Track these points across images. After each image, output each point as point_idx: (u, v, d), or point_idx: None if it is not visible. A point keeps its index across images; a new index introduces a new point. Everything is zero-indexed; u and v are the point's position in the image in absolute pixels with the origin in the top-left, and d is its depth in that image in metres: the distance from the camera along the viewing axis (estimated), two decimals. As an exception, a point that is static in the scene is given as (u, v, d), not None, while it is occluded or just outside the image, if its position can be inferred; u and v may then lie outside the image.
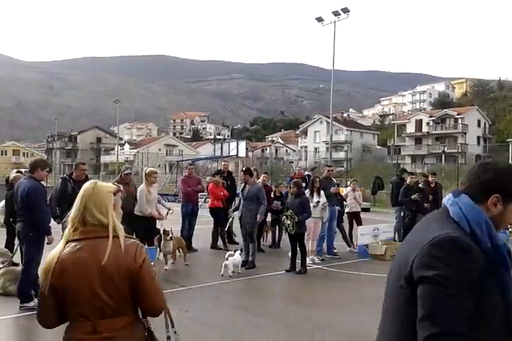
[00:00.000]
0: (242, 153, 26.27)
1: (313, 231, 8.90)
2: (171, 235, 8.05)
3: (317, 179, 9.25)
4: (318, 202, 8.93)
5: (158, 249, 8.39)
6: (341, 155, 54.68)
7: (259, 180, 10.42)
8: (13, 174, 8.58)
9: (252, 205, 8.63)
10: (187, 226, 10.17)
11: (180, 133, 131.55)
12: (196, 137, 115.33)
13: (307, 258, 8.56)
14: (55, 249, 2.13)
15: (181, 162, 32.13)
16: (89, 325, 2.05)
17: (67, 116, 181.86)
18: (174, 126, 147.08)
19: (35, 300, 5.82)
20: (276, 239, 11.05)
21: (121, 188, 7.24)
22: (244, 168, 9.49)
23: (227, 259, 7.77)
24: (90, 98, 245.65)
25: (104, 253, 2.02)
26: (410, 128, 61.99)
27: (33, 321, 5.31)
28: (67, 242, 2.12)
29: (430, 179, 12.29)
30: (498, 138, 58.23)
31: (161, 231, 8.16)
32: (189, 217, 10.25)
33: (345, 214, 11.11)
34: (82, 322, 2.07)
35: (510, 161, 39.61)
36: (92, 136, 79.37)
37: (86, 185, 2.24)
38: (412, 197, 10.43)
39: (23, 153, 77.40)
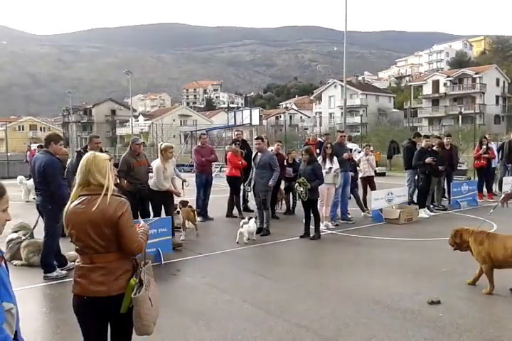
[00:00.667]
0: (256, 121, 26.15)
1: (326, 197, 8.97)
2: (178, 209, 8.04)
3: (328, 145, 9.23)
4: (330, 168, 8.96)
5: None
6: (357, 119, 53.99)
7: (273, 149, 10.45)
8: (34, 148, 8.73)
9: (264, 173, 8.70)
10: (202, 196, 10.32)
11: (194, 103, 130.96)
12: (210, 106, 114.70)
13: (321, 224, 8.68)
14: (69, 201, 2.84)
15: (195, 132, 32.17)
16: (88, 257, 2.78)
17: (80, 89, 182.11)
18: (187, 96, 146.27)
19: (58, 270, 6.07)
20: (291, 206, 11.16)
21: (134, 160, 7.30)
22: (256, 137, 9.50)
23: (242, 227, 7.92)
24: (102, 70, 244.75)
25: (96, 206, 2.73)
26: (427, 90, 60.67)
27: (56, 290, 5.57)
28: (77, 197, 2.82)
29: (445, 141, 12.18)
30: (518, 97, 56.74)
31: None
32: (204, 186, 10.37)
33: (359, 179, 11.14)
34: (83, 255, 2.81)
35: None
36: (106, 109, 79.47)
37: (87, 155, 2.88)
38: (426, 160, 10.35)
39: (40, 128, 77.97)
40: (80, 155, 7.64)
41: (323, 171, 8.70)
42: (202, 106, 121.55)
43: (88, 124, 77.12)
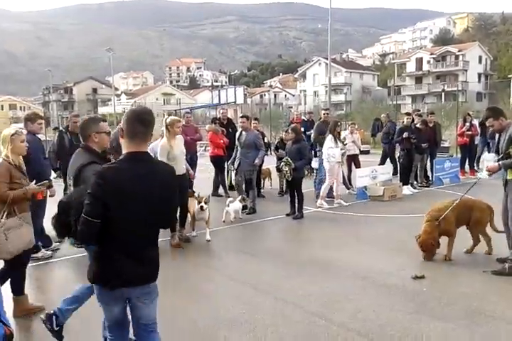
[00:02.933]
0: (240, 100, 25.85)
1: (337, 175, 9.34)
2: (202, 204, 6.75)
3: (339, 123, 9.45)
4: (345, 145, 9.63)
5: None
6: (341, 97, 53.91)
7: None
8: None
9: (250, 152, 8.64)
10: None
11: (177, 81, 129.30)
12: (193, 84, 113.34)
13: (335, 201, 9.29)
14: None
15: (179, 110, 31.82)
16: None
17: (60, 67, 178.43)
18: (170, 74, 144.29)
19: (43, 250, 6.02)
20: (284, 186, 10.92)
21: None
22: (242, 115, 9.42)
23: (228, 206, 7.92)
24: (82, 47, 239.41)
25: None
26: (411, 67, 60.68)
27: (42, 270, 5.55)
28: None
29: (428, 119, 12.20)
30: (500, 74, 57.04)
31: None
32: (189, 166, 10.27)
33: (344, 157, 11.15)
34: None
35: (511, 97, 39.13)
36: (87, 87, 78.02)
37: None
38: (404, 135, 10.38)
39: (20, 107, 76.44)
40: (61, 134, 7.49)
41: (337, 150, 9.00)
42: (185, 84, 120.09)
43: (69, 103, 75.77)
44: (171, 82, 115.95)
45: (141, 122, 2.59)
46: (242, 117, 9.05)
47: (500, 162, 4.98)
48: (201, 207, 6.69)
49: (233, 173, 10.06)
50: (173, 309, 4.29)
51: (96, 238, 2.47)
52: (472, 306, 4.23)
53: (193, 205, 6.87)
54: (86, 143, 3.45)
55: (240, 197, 8.25)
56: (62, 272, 5.75)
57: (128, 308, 2.74)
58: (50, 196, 5.68)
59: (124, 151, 2.59)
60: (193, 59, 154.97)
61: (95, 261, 2.61)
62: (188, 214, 7.03)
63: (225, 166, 10.59)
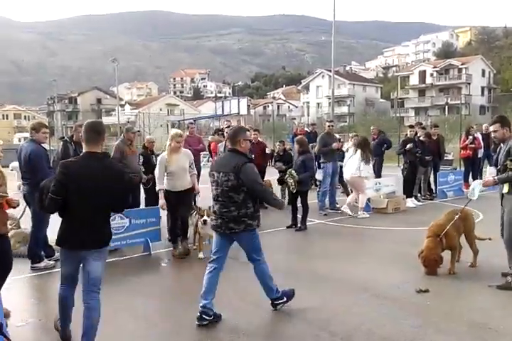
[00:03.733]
0: (244, 111, 26.08)
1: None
2: (205, 218, 6.16)
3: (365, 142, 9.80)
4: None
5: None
6: (344, 109, 54.08)
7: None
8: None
9: None
10: (190, 186, 10.24)
11: (181, 92, 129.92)
12: (197, 95, 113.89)
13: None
14: None
15: (183, 121, 31.96)
16: None
17: (65, 77, 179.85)
18: (174, 85, 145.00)
19: (46, 260, 6.02)
20: (286, 198, 10.82)
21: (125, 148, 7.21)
22: (227, 125, 9.47)
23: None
24: (88, 58, 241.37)
25: None
26: (414, 80, 60.95)
27: (45, 280, 5.54)
28: None
29: (432, 131, 12.21)
30: (503, 87, 57.11)
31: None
32: (192, 176, 10.29)
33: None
34: None
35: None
36: (92, 97, 78.47)
37: None
38: (407, 147, 10.35)
39: (25, 117, 76.95)
40: (65, 144, 7.50)
41: (370, 166, 9.43)
42: (189, 95, 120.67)
43: (73, 113, 76.10)
44: (174, 93, 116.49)
45: (93, 131, 3.54)
46: (228, 127, 9.07)
47: (496, 177, 4.95)
48: (204, 221, 6.08)
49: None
50: (171, 319, 4.27)
51: (58, 209, 3.46)
52: (476, 320, 4.20)
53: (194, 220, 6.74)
54: (234, 147, 4.20)
55: None
56: (65, 282, 5.73)
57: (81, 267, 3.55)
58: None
59: (83, 151, 3.54)
60: (197, 70, 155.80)
61: (60, 230, 3.51)
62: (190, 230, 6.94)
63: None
